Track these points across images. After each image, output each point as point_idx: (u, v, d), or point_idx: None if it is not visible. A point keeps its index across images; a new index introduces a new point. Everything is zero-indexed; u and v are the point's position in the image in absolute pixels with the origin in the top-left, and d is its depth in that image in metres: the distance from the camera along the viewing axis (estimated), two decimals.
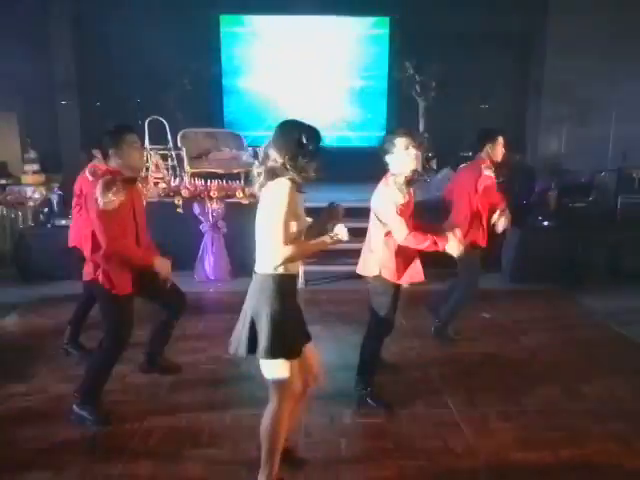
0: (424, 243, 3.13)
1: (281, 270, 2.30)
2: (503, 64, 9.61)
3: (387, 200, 3.11)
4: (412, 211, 3.24)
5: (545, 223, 6.27)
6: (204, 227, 6.06)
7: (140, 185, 3.32)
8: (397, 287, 3.28)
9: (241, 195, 5.87)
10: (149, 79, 8.60)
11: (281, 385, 2.36)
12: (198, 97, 9.20)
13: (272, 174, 2.28)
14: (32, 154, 7.54)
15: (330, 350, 4.06)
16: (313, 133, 2.31)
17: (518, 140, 9.64)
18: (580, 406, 3.41)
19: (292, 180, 2.25)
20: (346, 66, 9.97)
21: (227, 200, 5.94)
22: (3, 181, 7.41)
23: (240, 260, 5.35)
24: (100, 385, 3.21)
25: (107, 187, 2.95)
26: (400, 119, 9.39)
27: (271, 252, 2.25)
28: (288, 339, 2.32)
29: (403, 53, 9.40)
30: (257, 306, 2.30)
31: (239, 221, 5.47)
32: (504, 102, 9.76)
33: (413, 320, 4.62)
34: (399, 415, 3.27)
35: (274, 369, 2.34)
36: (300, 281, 5.98)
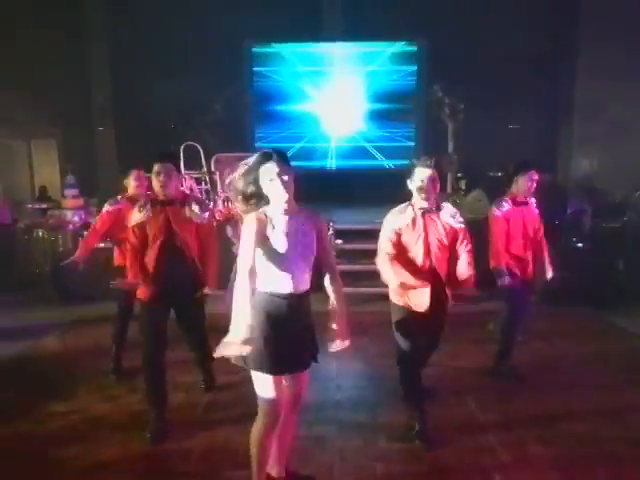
0: (388, 277, 3.18)
1: (266, 289, 2.38)
2: (533, 84, 9.59)
3: (384, 222, 3.22)
4: (422, 241, 3.16)
5: (579, 244, 6.18)
6: (236, 249, 6.14)
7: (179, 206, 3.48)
8: (406, 311, 3.19)
9: None
10: (183, 105, 8.86)
11: (262, 399, 2.44)
12: (230, 122, 9.43)
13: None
14: (71, 179, 7.80)
15: (361, 373, 4.07)
16: (257, 158, 2.34)
17: (549, 160, 9.59)
18: (621, 433, 3.32)
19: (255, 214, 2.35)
20: (375, 90, 10.09)
21: None
22: (44, 205, 7.67)
23: None
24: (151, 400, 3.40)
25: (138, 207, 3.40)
26: (429, 141, 9.43)
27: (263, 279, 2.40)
28: (262, 354, 2.35)
29: (431, 75, 9.48)
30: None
31: None
32: (534, 122, 9.72)
33: (450, 344, 4.54)
34: (434, 440, 3.24)
35: (256, 382, 2.43)
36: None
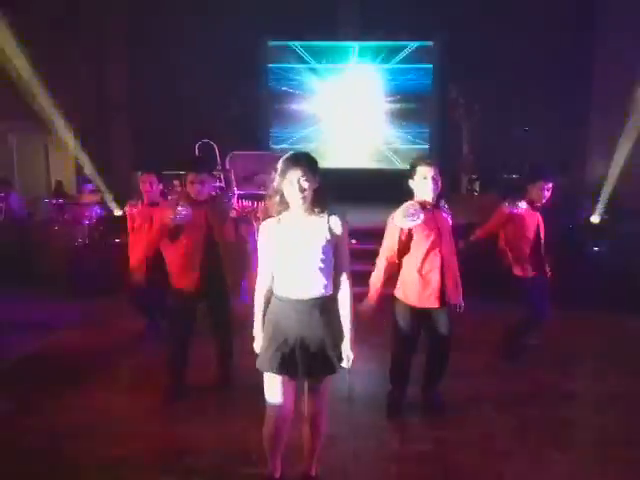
0: (374, 278, 3.29)
1: (276, 292, 2.46)
2: (550, 85, 9.51)
3: (390, 220, 3.25)
4: (427, 239, 3.23)
5: (595, 247, 6.12)
6: (250, 247, 6.17)
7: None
8: (411, 310, 3.32)
9: None
10: (198, 102, 8.89)
11: (267, 401, 2.49)
12: (246, 120, 9.45)
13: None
14: (87, 174, 7.85)
15: (377, 375, 4.05)
16: (281, 161, 2.37)
17: (565, 162, 9.50)
18: (638, 438, 3.29)
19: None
20: (390, 89, 10.06)
21: None
22: (60, 200, 7.73)
23: None
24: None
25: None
26: (444, 142, 9.39)
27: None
28: (262, 350, 2.47)
29: (447, 76, 9.44)
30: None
31: None
32: (550, 124, 9.63)
33: (462, 344, 4.52)
34: (450, 442, 3.23)
35: (265, 383, 2.48)
36: None
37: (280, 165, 2.35)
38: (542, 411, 3.63)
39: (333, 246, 2.40)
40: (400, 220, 3.08)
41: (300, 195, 2.30)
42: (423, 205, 3.19)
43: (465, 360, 4.28)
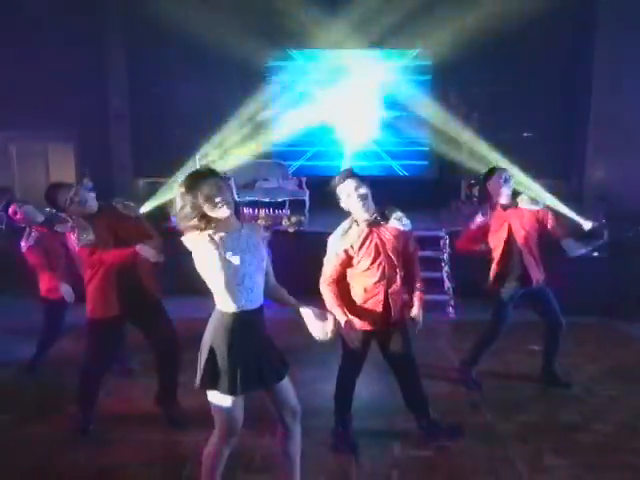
0: (328, 304, 3.02)
1: (230, 308, 2.34)
2: (548, 92, 9.56)
3: (330, 245, 3.09)
4: (382, 252, 3.05)
5: (595, 254, 6.13)
6: None
7: None
8: (360, 333, 3.05)
9: (287, 223, 6.01)
10: (199, 109, 8.94)
11: (218, 417, 2.41)
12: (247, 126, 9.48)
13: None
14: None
15: (378, 381, 4.06)
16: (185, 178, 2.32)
17: (563, 169, 9.55)
18: (638, 444, 3.30)
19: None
20: (390, 97, 10.11)
21: (274, 228, 6.08)
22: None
23: (285, 286, 5.44)
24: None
25: None
26: (442, 148, 9.42)
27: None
28: (219, 374, 2.33)
29: (446, 83, 9.50)
30: (204, 337, 2.41)
31: (283, 248, 5.58)
32: (549, 130, 9.68)
33: (464, 354, 4.51)
34: (450, 448, 3.24)
35: (216, 400, 2.38)
36: None
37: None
38: (542, 417, 3.65)
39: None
40: (336, 243, 3.02)
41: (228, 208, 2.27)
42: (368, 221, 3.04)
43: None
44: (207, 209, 2.25)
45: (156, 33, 8.94)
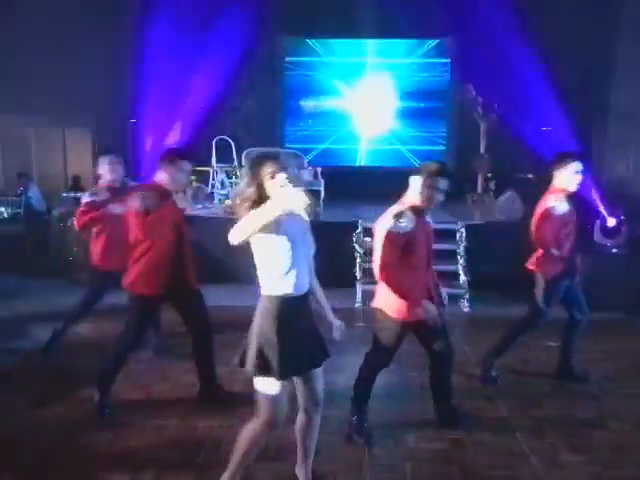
0: (394, 288, 2.99)
1: (278, 292, 2.34)
2: (568, 85, 9.42)
3: (381, 225, 3.03)
4: (424, 244, 3.08)
5: (613, 250, 6.06)
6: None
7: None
8: (400, 324, 3.09)
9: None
10: (215, 99, 8.92)
11: (269, 406, 2.39)
12: (262, 117, 9.47)
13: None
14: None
15: (391, 373, 4.05)
16: (261, 159, 2.37)
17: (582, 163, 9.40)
18: None
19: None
20: (407, 88, 10.03)
21: None
22: (79, 194, 7.81)
23: None
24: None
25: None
26: (461, 140, 9.35)
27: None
28: (271, 359, 2.32)
29: (465, 74, 9.39)
30: (253, 324, 2.41)
31: None
32: (568, 124, 9.54)
33: (478, 347, 4.51)
34: (465, 442, 3.22)
35: (264, 386, 2.38)
36: (358, 300, 6.03)
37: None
38: (557, 413, 3.62)
39: None
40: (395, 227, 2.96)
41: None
42: (415, 210, 3.03)
43: (480, 358, 4.29)
44: (270, 188, 2.28)
45: (174, 21, 8.92)
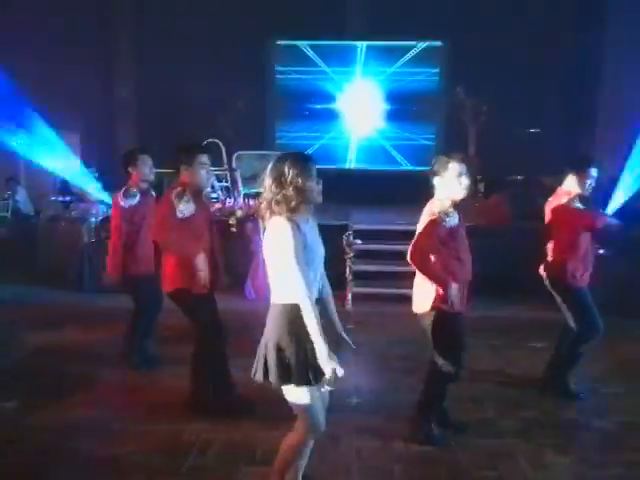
0: (431, 275, 3.00)
1: (295, 300, 2.26)
2: (556, 88, 9.52)
3: (433, 218, 2.98)
4: (460, 238, 3.08)
5: (600, 251, 6.08)
6: (256, 246, 6.20)
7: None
8: (450, 317, 3.07)
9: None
10: (205, 102, 8.92)
11: (304, 414, 2.36)
12: (253, 119, 9.48)
13: (269, 208, 2.28)
14: (94, 172, 7.89)
15: (380, 376, 4.07)
16: (296, 159, 2.32)
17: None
18: None
19: (288, 218, 2.24)
20: (397, 90, 10.07)
21: None
22: (67, 198, 7.78)
23: None
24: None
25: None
26: (449, 142, 9.40)
27: (293, 291, 2.25)
28: (296, 366, 2.26)
29: (454, 77, 9.45)
30: (267, 334, 2.35)
31: None
32: (555, 126, 9.64)
33: (475, 349, 4.44)
34: (452, 444, 3.24)
35: (293, 396, 2.33)
36: (348, 302, 6.03)
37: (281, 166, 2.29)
38: (544, 414, 3.65)
39: None
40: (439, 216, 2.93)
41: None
42: (454, 204, 3.02)
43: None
44: (299, 193, 2.24)
45: (163, 24, 8.93)
